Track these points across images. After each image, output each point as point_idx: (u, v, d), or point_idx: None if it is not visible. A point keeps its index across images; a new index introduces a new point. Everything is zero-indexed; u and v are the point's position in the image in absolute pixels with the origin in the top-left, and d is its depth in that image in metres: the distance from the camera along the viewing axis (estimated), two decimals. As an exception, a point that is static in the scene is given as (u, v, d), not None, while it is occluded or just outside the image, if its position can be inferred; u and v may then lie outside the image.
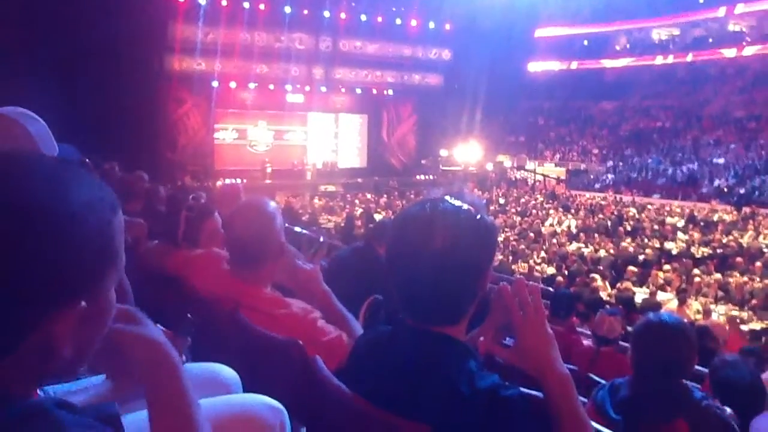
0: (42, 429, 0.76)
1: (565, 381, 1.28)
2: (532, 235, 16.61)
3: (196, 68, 26.13)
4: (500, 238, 14.68)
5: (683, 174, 28.91)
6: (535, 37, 40.20)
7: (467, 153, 31.79)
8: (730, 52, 34.91)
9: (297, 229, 9.07)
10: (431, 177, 30.55)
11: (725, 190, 26.07)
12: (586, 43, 41.13)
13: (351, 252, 4.93)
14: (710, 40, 36.45)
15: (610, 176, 31.37)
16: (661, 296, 10.33)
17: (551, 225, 19.26)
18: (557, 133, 38.11)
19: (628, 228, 17.99)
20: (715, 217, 20.54)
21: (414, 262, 1.32)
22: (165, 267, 2.88)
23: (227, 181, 22.15)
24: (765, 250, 14.57)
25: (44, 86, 11.70)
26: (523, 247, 14.80)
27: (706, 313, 9.37)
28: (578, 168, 33.52)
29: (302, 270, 2.27)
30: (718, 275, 11.82)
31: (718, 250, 14.79)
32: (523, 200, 25.20)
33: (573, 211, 22.27)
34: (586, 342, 5.05)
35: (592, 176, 32.11)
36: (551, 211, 21.92)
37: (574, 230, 18.15)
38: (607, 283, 11.13)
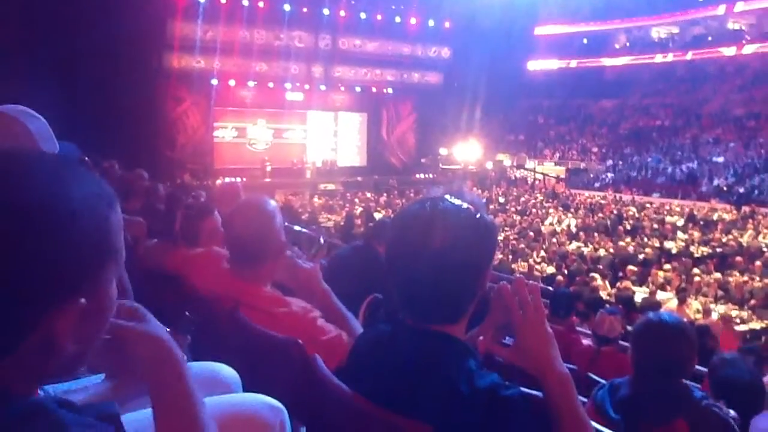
0: (43, 428, 0.76)
1: (564, 380, 1.28)
2: (531, 234, 16.62)
3: (195, 66, 26.10)
4: (500, 237, 14.68)
5: (683, 173, 28.91)
6: (534, 35, 40.24)
7: (467, 151, 31.80)
8: (729, 51, 34.92)
9: (297, 227, 9.07)
10: (431, 176, 30.55)
11: (725, 189, 26.06)
12: (585, 41, 41.14)
13: (351, 251, 4.93)
14: (710, 38, 36.46)
15: (609, 175, 31.37)
16: (660, 295, 10.33)
17: (551, 224, 19.27)
18: (557, 131, 38.10)
19: (628, 227, 18.00)
20: (715, 216, 20.55)
21: (414, 261, 1.32)
22: (164, 265, 2.88)
23: (227, 179, 22.13)
24: (764, 249, 14.58)
25: (43, 84, 11.68)
26: (522, 246, 14.80)
27: (706, 312, 9.38)
28: (578, 167, 33.52)
29: (302, 269, 2.27)
30: (717, 274, 11.83)
31: (718, 250, 14.80)
32: (522, 199, 25.20)
33: (573, 210, 22.28)
34: (585, 341, 5.05)
35: (591, 175, 32.10)
36: (551, 210, 21.93)
37: (573, 229, 18.15)
38: (606, 283, 11.14)
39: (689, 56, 36.61)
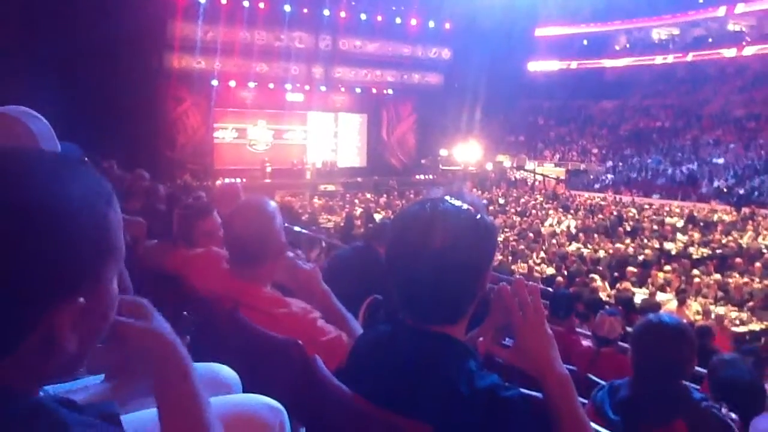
0: (44, 427, 0.76)
1: (564, 381, 1.28)
2: (531, 235, 16.61)
3: (196, 67, 26.14)
4: (500, 239, 14.68)
5: (683, 174, 28.93)
6: (535, 36, 40.26)
7: (467, 152, 31.81)
8: (729, 52, 34.95)
9: (297, 228, 9.07)
10: (431, 177, 30.56)
11: (725, 190, 26.08)
12: (585, 42, 41.18)
13: (351, 252, 4.93)
14: (710, 39, 36.49)
15: (609, 176, 31.38)
16: (660, 297, 10.32)
17: (551, 225, 19.27)
18: (557, 132, 38.12)
19: (628, 228, 18.00)
20: (715, 218, 20.55)
21: (414, 261, 1.32)
22: (164, 266, 2.88)
23: (227, 180, 22.14)
24: (764, 250, 14.57)
25: (43, 84, 11.69)
26: (522, 247, 14.80)
27: (706, 313, 9.38)
28: (578, 168, 33.54)
29: (302, 270, 2.27)
30: (717, 276, 11.82)
31: (718, 251, 14.80)
32: (522, 200, 25.20)
33: (572, 211, 22.28)
34: (585, 342, 5.05)
35: (591, 176, 32.12)
36: (551, 212, 21.93)
37: (573, 230, 18.15)
38: (606, 284, 11.14)
39: (690, 57, 36.64)
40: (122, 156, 10.91)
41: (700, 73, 36.53)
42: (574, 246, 15.73)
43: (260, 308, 2.11)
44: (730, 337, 8.13)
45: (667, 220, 19.87)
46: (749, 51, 34.17)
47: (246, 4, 26.37)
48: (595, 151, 34.77)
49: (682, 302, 9.59)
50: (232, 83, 27.37)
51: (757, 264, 12.75)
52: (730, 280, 11.55)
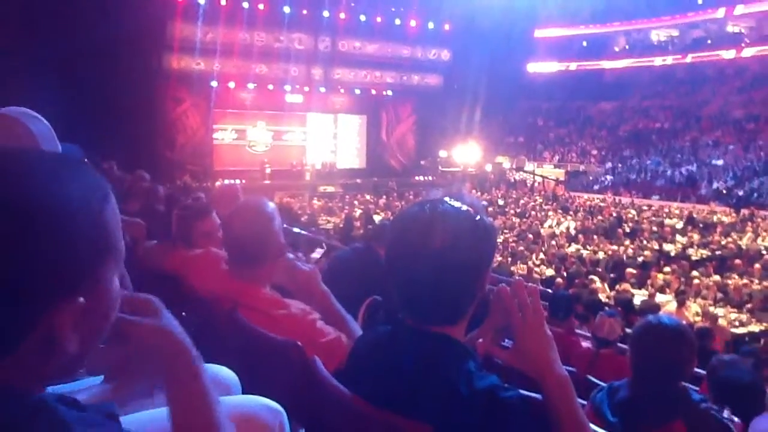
0: (45, 425, 0.76)
1: (563, 383, 1.28)
2: (530, 236, 16.62)
3: (195, 68, 26.14)
4: (499, 240, 14.69)
5: (682, 175, 28.95)
6: (534, 37, 40.28)
7: (466, 154, 31.83)
8: (729, 53, 34.97)
9: (296, 229, 9.07)
10: (430, 178, 30.58)
11: (724, 191, 26.10)
12: (585, 43, 41.20)
13: (351, 253, 4.93)
14: (709, 41, 36.51)
15: (608, 177, 31.40)
16: (659, 298, 10.33)
17: (550, 226, 19.28)
18: (556, 134, 38.15)
19: (627, 230, 18.01)
20: (714, 219, 20.56)
21: (413, 262, 1.32)
22: (163, 267, 2.88)
23: (226, 181, 22.15)
24: (764, 252, 14.58)
25: (43, 85, 11.70)
26: (522, 248, 14.80)
27: (705, 315, 9.38)
28: (577, 169, 33.56)
29: (301, 271, 2.27)
30: (716, 277, 11.82)
31: (717, 252, 14.81)
32: (522, 201, 25.21)
33: (572, 212, 22.29)
34: (585, 344, 5.05)
35: (591, 177, 32.13)
36: (550, 213, 21.94)
37: (572, 232, 18.16)
38: (605, 285, 11.14)
39: (689, 59, 36.66)
40: (122, 157, 10.89)
41: (699, 75, 36.56)
42: (573, 247, 15.74)
43: (259, 309, 2.11)
44: (723, 336, 8.13)
45: (667, 221, 19.88)
46: (748, 52, 34.20)
47: (245, 5, 26.37)
48: (594, 152, 34.79)
49: (681, 303, 9.59)
50: (232, 84, 27.38)
51: (757, 265, 12.75)
52: (730, 282, 11.56)
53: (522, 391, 1.28)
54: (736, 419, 2.89)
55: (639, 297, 10.41)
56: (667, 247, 15.58)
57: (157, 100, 24.94)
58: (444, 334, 1.35)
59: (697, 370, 4.42)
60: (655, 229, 18.05)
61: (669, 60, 37.64)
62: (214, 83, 26.73)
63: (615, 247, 15.04)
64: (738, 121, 31.87)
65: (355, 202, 22.48)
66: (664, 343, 2.35)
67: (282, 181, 25.99)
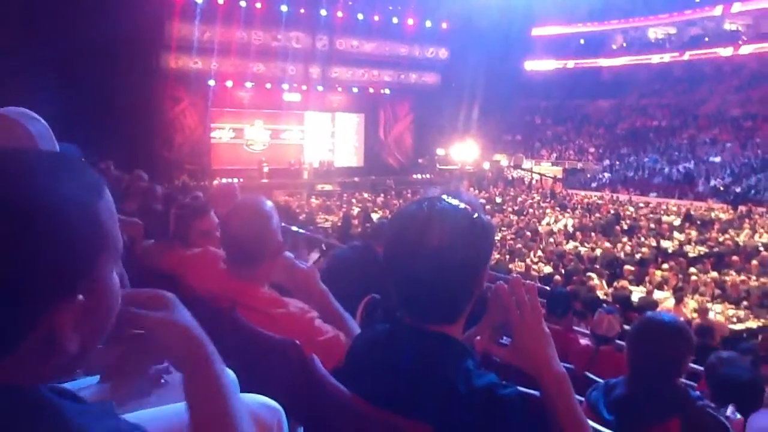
0: (45, 419, 0.76)
1: (561, 380, 1.28)
2: (528, 234, 16.62)
3: (193, 67, 26.10)
4: (497, 237, 14.69)
5: (680, 173, 28.97)
6: (531, 36, 40.30)
7: (464, 152, 31.83)
8: (726, 51, 35.00)
9: (294, 228, 9.06)
10: (428, 176, 30.58)
11: (721, 188, 26.13)
12: (582, 42, 41.20)
13: (350, 251, 4.92)
14: (707, 38, 36.52)
15: (606, 175, 31.42)
16: (657, 295, 10.34)
17: (548, 224, 19.28)
18: (554, 131, 38.16)
19: (625, 227, 18.03)
20: (712, 216, 20.58)
21: (411, 261, 1.32)
22: (161, 266, 2.88)
23: (224, 180, 22.14)
24: (761, 248, 14.59)
25: (41, 85, 11.69)
26: (520, 246, 14.81)
27: (703, 311, 9.39)
28: (575, 167, 33.58)
29: (299, 269, 2.27)
30: (714, 274, 11.84)
31: (715, 249, 14.82)
32: (519, 199, 25.22)
33: (570, 210, 22.30)
34: (583, 341, 5.06)
35: (588, 175, 32.15)
36: (548, 210, 21.95)
37: (570, 229, 18.17)
38: (603, 282, 11.15)
39: (686, 57, 36.69)
40: (120, 156, 10.90)
41: (696, 72, 36.58)
42: (571, 245, 15.75)
43: (258, 308, 2.10)
44: (720, 332, 8.14)
45: (664, 218, 19.90)
46: (746, 50, 34.22)
47: (243, 4, 26.34)
48: (592, 150, 34.81)
49: (679, 300, 9.61)
50: (229, 83, 27.35)
51: (754, 262, 12.78)
52: (727, 278, 11.57)
53: (520, 389, 1.28)
54: (738, 416, 2.90)
55: (637, 294, 10.44)
56: (664, 244, 15.60)
57: (155, 100, 24.91)
58: (442, 333, 1.35)
59: (696, 366, 4.45)
60: (652, 226, 18.06)
61: (666, 58, 37.65)
62: (211, 82, 26.70)
63: (609, 245, 15.03)
64: (735, 119, 31.90)
65: (353, 201, 22.48)
66: (662, 340, 2.36)
67: (280, 180, 25.99)
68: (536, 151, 36.40)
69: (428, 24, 31.44)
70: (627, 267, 12.27)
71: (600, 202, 24.85)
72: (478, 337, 1.39)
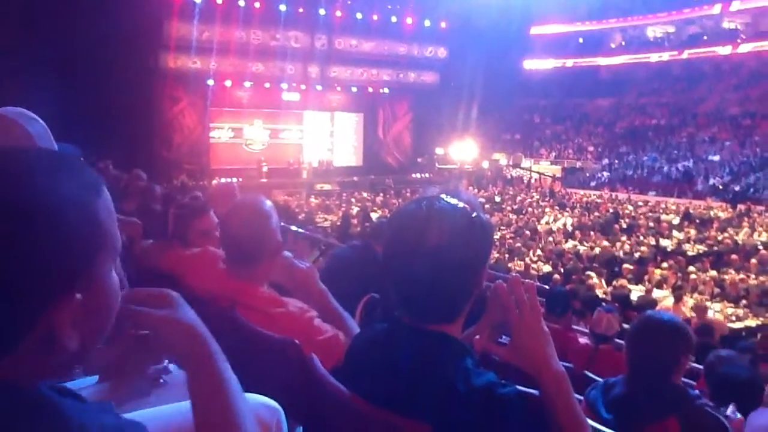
0: (44, 416, 0.76)
1: (560, 378, 1.28)
2: (528, 233, 16.63)
3: (192, 66, 26.07)
4: (496, 236, 14.70)
5: (679, 171, 28.98)
6: (530, 34, 40.30)
7: (463, 151, 31.82)
8: (725, 50, 35.00)
9: (293, 228, 9.05)
10: (427, 175, 30.57)
11: (720, 187, 26.13)
12: (581, 40, 41.19)
13: (349, 251, 4.92)
14: (705, 37, 36.53)
15: (605, 174, 31.42)
16: (657, 294, 10.35)
17: (547, 223, 19.29)
18: (553, 130, 38.17)
19: (624, 226, 18.03)
20: (711, 215, 20.59)
21: (410, 260, 1.32)
22: (160, 266, 2.87)
23: (223, 180, 22.12)
24: (760, 247, 14.61)
25: (40, 85, 11.69)
26: (519, 245, 14.82)
27: (701, 309, 9.40)
28: (574, 166, 33.58)
29: (299, 269, 2.27)
30: (713, 272, 11.85)
31: (714, 248, 14.83)
32: (519, 198, 25.23)
33: (569, 208, 22.31)
34: (582, 340, 5.06)
35: (587, 174, 32.15)
36: (547, 209, 21.95)
37: (569, 228, 18.18)
38: (602, 281, 11.15)
39: (685, 55, 36.69)
40: (119, 156, 10.91)
41: (695, 71, 36.59)
42: (570, 243, 15.75)
43: (257, 308, 2.10)
44: (720, 331, 8.15)
45: (663, 217, 19.91)
46: (744, 48, 34.22)
47: (241, 3, 26.30)
48: (590, 148, 34.81)
49: (678, 299, 9.61)
50: (228, 83, 27.32)
51: (753, 260, 12.79)
52: (726, 277, 11.57)
53: (519, 388, 1.28)
54: (739, 415, 2.90)
55: (636, 293, 10.44)
56: (663, 242, 15.62)
57: (154, 100, 24.90)
58: (441, 332, 1.35)
59: (695, 365, 4.45)
60: (651, 224, 18.08)
61: (665, 56, 37.66)
62: (210, 82, 26.67)
63: (607, 244, 15.04)
64: (734, 117, 31.91)
65: (353, 200, 22.49)
66: (661, 339, 2.36)
67: (279, 180, 25.97)
68: (535, 150, 36.40)
69: (427, 23, 31.41)
70: (626, 266, 12.27)
71: (599, 200, 24.86)
72: (477, 336, 1.39)
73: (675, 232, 17.14)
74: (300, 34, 28.42)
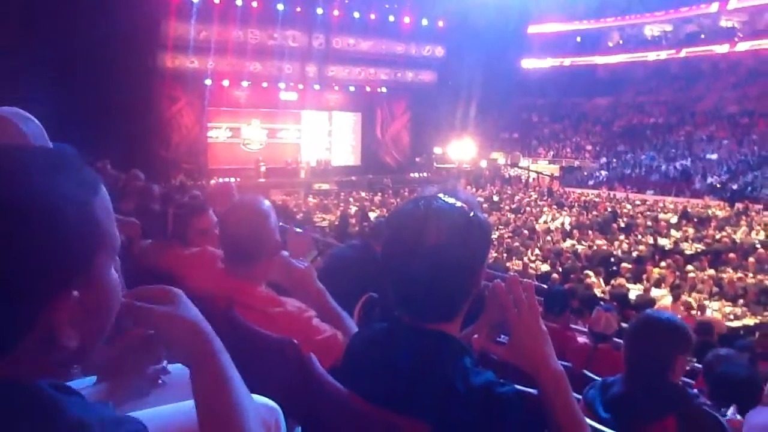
0: (42, 411, 0.76)
1: (559, 377, 1.28)
2: (526, 232, 16.63)
3: (189, 66, 26.02)
4: (495, 236, 14.70)
5: (677, 170, 28.99)
6: (528, 33, 40.28)
7: (461, 150, 31.82)
8: (722, 48, 34.99)
9: (288, 227, 9.04)
10: (425, 174, 30.56)
11: (718, 186, 26.16)
12: (579, 39, 41.17)
13: (348, 250, 4.92)
14: (703, 36, 36.54)
15: (603, 173, 31.42)
16: (655, 292, 10.35)
17: (545, 222, 19.29)
18: (551, 129, 38.17)
19: (622, 225, 18.04)
20: (709, 213, 20.61)
21: (408, 259, 1.32)
22: (159, 266, 2.88)
23: (221, 179, 22.11)
24: (758, 245, 14.61)
25: (38, 85, 11.65)
26: (517, 244, 14.81)
27: (701, 308, 9.42)
28: (572, 165, 33.59)
29: (297, 268, 2.27)
30: (711, 271, 11.86)
31: (712, 246, 14.83)
32: (517, 197, 25.22)
33: (567, 207, 22.31)
34: (581, 339, 5.06)
35: (585, 173, 32.16)
36: (545, 209, 21.95)
37: (568, 227, 18.18)
38: (601, 280, 11.16)
39: (683, 54, 36.69)
40: (117, 156, 10.88)
41: (693, 70, 36.61)
42: (568, 242, 15.76)
43: (255, 307, 2.11)
44: (718, 329, 8.15)
45: (661, 216, 19.91)
46: (742, 47, 34.21)
47: (239, 3, 26.26)
48: (588, 147, 34.82)
49: (676, 298, 9.62)
50: (226, 82, 27.29)
51: (751, 259, 12.80)
52: (724, 276, 11.58)
53: (518, 387, 1.29)
54: (739, 417, 2.90)
55: (634, 291, 10.45)
56: (662, 241, 15.62)
57: (152, 99, 24.84)
58: (440, 331, 1.35)
59: (694, 364, 4.45)
60: (649, 223, 18.08)
61: (663, 55, 37.65)
62: (208, 81, 26.62)
63: (601, 242, 15.04)
64: (732, 116, 31.92)
65: (351, 200, 22.47)
66: (659, 338, 2.35)
67: (277, 179, 25.94)
68: (533, 149, 36.40)
69: (424, 22, 31.38)
70: (624, 265, 12.28)
71: (597, 199, 24.84)
72: (476, 336, 1.39)
73: (673, 231, 17.15)
74: (297, 33, 28.39)
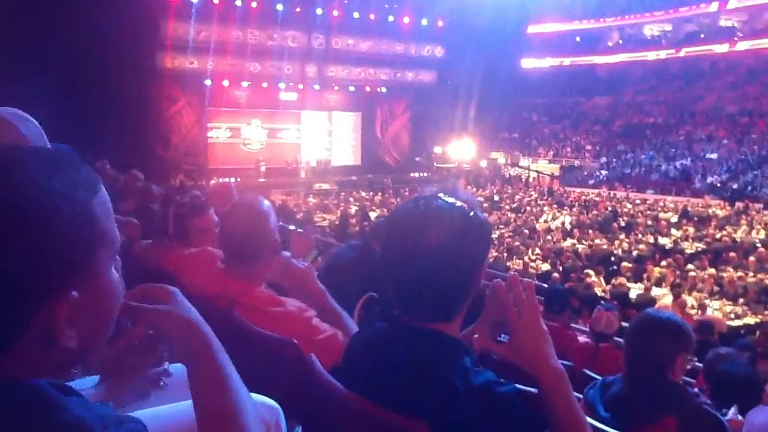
0: (41, 409, 0.75)
1: (559, 377, 1.28)
2: (526, 231, 16.64)
3: (189, 66, 26.01)
4: (495, 235, 14.70)
5: (676, 170, 29.01)
6: (527, 33, 40.32)
7: (461, 150, 31.84)
8: (722, 48, 35.02)
9: (291, 227, 9.04)
10: (425, 174, 30.57)
11: (718, 185, 26.17)
12: (578, 39, 41.22)
13: (348, 250, 4.92)
14: (702, 35, 36.58)
15: (603, 172, 31.43)
16: (655, 292, 10.35)
17: (545, 221, 19.29)
18: (551, 129, 38.20)
19: (622, 224, 18.04)
20: (709, 212, 20.61)
21: (408, 259, 1.32)
22: (159, 266, 2.88)
23: (221, 179, 22.10)
24: (758, 244, 14.61)
25: (37, 85, 11.64)
26: (517, 243, 14.81)
27: (701, 308, 9.41)
28: (572, 164, 33.61)
29: (297, 268, 2.27)
30: (712, 270, 11.85)
31: (712, 246, 14.83)
32: (517, 197, 25.22)
33: (567, 207, 22.31)
34: (581, 338, 5.06)
35: (585, 172, 32.17)
36: (545, 208, 21.96)
37: (568, 226, 18.18)
38: (601, 279, 11.15)
39: (682, 53, 36.73)
40: (116, 156, 10.87)
41: (692, 69, 36.64)
42: (569, 242, 15.76)
43: (255, 307, 2.10)
44: (718, 328, 8.16)
45: (662, 215, 19.91)
46: (742, 46, 34.24)
47: (238, 3, 26.25)
48: (588, 147, 34.84)
49: (677, 297, 9.61)
50: (226, 83, 27.28)
51: (751, 258, 12.80)
52: (725, 275, 11.58)
53: (518, 386, 1.28)
54: (740, 417, 2.90)
55: (635, 291, 10.44)
56: (662, 240, 15.62)
57: (152, 99, 24.83)
58: (439, 331, 1.35)
59: (696, 363, 4.45)
60: (650, 223, 18.08)
61: (662, 54, 37.70)
62: (207, 82, 26.62)
63: (602, 241, 15.04)
64: (732, 115, 31.94)
65: (351, 199, 22.45)
66: (659, 337, 2.35)
67: (277, 179, 25.93)
68: (533, 148, 36.42)
69: (424, 22, 31.37)
70: (625, 264, 12.27)
71: (597, 199, 24.83)
72: (476, 335, 1.39)
73: (673, 230, 17.15)
74: (297, 33, 28.37)
